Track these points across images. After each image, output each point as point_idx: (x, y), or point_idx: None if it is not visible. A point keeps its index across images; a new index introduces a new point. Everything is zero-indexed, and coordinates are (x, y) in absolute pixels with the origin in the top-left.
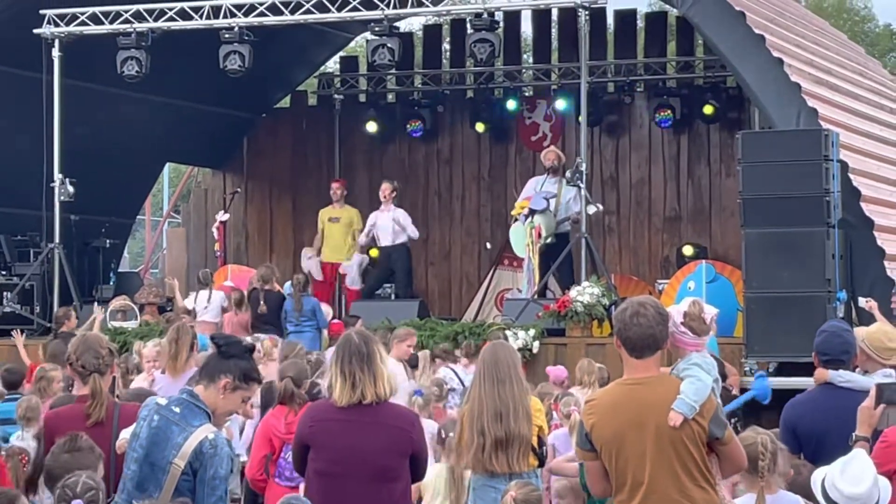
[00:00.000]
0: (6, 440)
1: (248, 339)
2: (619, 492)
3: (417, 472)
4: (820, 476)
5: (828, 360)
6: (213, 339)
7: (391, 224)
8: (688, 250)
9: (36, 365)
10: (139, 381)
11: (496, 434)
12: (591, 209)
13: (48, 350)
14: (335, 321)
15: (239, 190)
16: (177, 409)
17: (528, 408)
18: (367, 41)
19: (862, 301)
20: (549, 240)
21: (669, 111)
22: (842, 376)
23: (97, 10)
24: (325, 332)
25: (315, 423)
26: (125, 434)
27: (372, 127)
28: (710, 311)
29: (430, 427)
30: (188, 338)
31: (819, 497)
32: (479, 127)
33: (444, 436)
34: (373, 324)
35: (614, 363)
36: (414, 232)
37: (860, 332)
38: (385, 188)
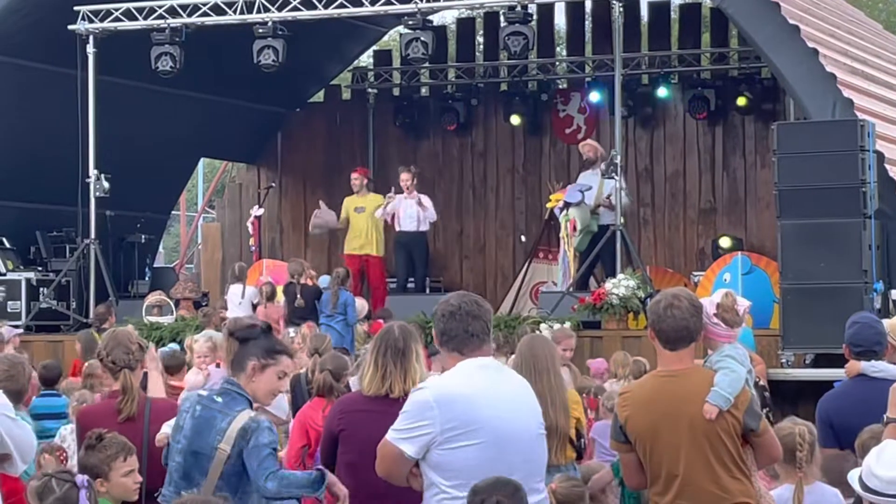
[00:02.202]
0: (50, 436)
1: (290, 330)
2: (654, 484)
3: None
4: (856, 473)
5: (861, 351)
6: (228, 329)
7: (416, 210)
8: (725, 242)
9: (78, 361)
10: (192, 376)
11: None
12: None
13: (82, 342)
14: (378, 320)
15: (273, 185)
16: (219, 399)
17: (565, 400)
18: (401, 35)
19: (894, 293)
20: (593, 228)
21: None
22: (875, 367)
23: (131, 5)
24: (360, 327)
25: (344, 415)
26: (166, 429)
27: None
28: (742, 303)
29: None
30: None
31: (858, 489)
32: (515, 120)
33: None
34: (407, 317)
35: (651, 355)
36: (433, 215)
37: (886, 323)
38: (405, 178)
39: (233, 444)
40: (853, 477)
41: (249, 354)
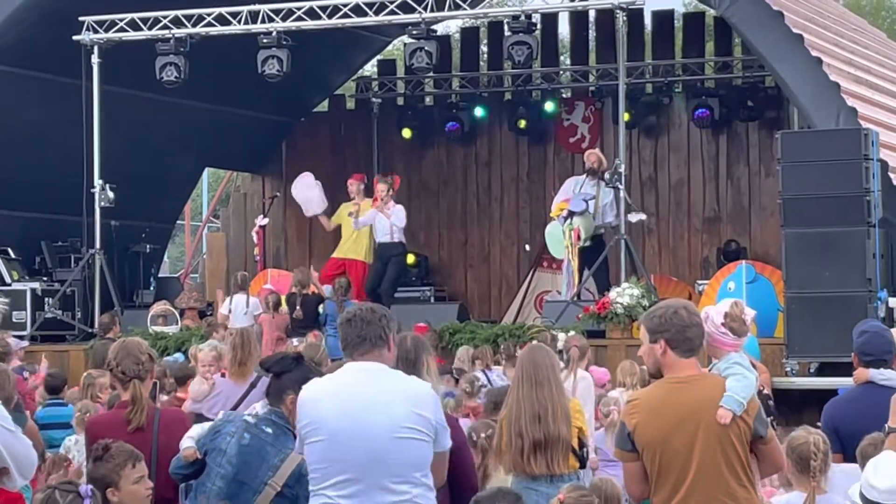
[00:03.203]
0: (53, 445)
1: (294, 340)
2: (659, 491)
3: (460, 467)
4: (857, 487)
5: (871, 360)
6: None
7: (388, 223)
8: (732, 244)
9: None
10: (196, 385)
11: (534, 436)
12: (634, 217)
13: (94, 352)
14: (420, 325)
15: (278, 194)
16: (269, 430)
17: (566, 409)
18: (405, 44)
19: (893, 301)
20: (586, 242)
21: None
22: (883, 374)
23: (136, 16)
24: None
25: None
26: (189, 441)
27: (408, 133)
28: (749, 313)
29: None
30: (255, 342)
31: (859, 502)
32: (522, 123)
33: (475, 438)
34: (411, 326)
35: None
36: (400, 219)
37: (894, 332)
38: (381, 189)
39: (285, 483)
40: (853, 490)
41: (286, 388)
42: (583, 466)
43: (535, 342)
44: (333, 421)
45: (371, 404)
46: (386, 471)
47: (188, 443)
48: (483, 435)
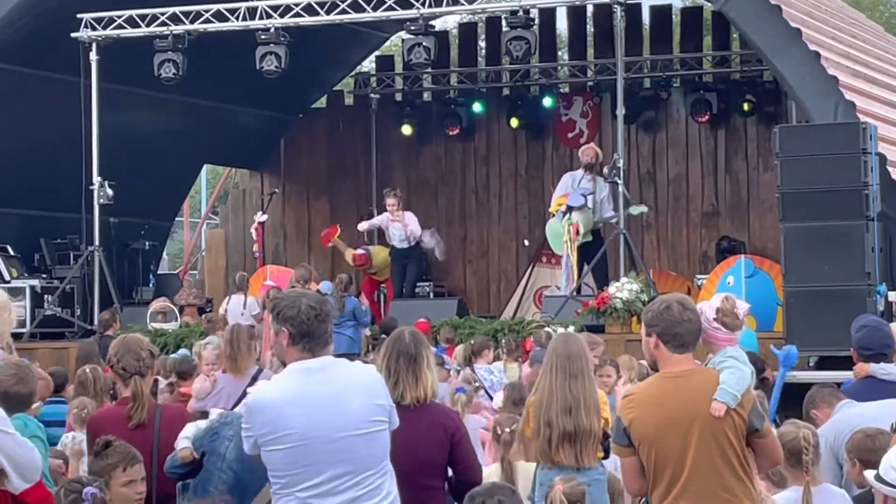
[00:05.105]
0: (52, 443)
1: None
2: (657, 486)
3: (464, 463)
4: (872, 471)
5: (870, 354)
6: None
7: (402, 232)
8: (723, 243)
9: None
10: (199, 383)
11: (565, 427)
12: (636, 210)
13: (79, 350)
14: (421, 320)
15: (276, 191)
16: None
17: (597, 402)
18: (403, 40)
19: (892, 295)
20: (586, 237)
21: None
22: (883, 369)
23: (134, 13)
24: (365, 332)
25: None
26: (185, 441)
27: (408, 129)
28: (742, 307)
29: (475, 423)
30: (245, 336)
31: (874, 483)
32: (514, 122)
33: (499, 432)
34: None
35: None
36: (417, 229)
37: (893, 327)
38: (391, 203)
39: None
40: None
41: None
42: (606, 456)
43: (568, 329)
44: (296, 429)
45: (330, 404)
46: (355, 467)
47: (184, 443)
48: (508, 429)
